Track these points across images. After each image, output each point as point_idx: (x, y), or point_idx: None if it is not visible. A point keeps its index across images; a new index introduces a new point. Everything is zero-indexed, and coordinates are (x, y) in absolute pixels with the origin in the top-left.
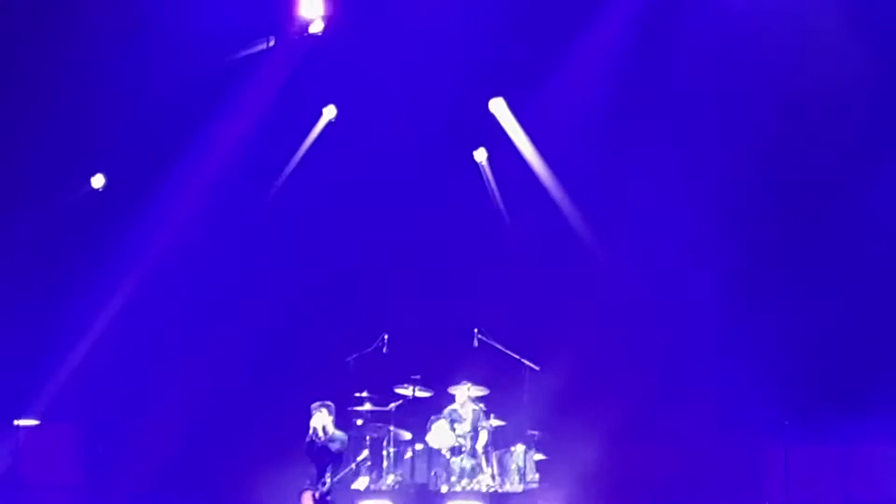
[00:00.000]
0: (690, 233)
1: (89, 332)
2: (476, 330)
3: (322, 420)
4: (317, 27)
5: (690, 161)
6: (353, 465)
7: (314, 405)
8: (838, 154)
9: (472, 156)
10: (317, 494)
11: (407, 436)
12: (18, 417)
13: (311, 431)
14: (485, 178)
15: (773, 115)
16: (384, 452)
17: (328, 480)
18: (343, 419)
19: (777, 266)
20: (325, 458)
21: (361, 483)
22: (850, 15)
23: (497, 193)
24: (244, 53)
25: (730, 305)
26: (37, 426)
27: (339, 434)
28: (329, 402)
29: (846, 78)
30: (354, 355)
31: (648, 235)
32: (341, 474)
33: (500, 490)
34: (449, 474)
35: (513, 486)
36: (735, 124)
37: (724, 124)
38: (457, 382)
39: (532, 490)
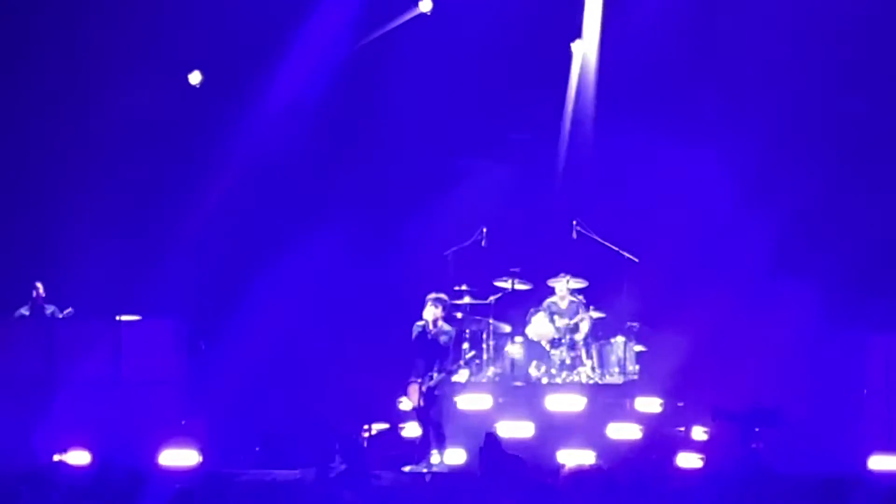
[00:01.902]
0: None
1: (190, 226)
2: (574, 222)
3: (435, 312)
4: None
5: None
6: (462, 362)
7: (430, 297)
8: None
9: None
10: (424, 387)
11: (506, 329)
12: (120, 313)
13: (421, 323)
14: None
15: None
16: (484, 345)
17: (436, 374)
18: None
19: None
20: (433, 351)
21: (462, 376)
22: None
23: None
24: None
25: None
26: (138, 321)
27: (447, 327)
28: (444, 296)
29: None
30: (453, 249)
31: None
32: (448, 368)
33: (599, 382)
34: (549, 366)
35: (612, 378)
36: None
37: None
38: (556, 275)
39: (632, 382)
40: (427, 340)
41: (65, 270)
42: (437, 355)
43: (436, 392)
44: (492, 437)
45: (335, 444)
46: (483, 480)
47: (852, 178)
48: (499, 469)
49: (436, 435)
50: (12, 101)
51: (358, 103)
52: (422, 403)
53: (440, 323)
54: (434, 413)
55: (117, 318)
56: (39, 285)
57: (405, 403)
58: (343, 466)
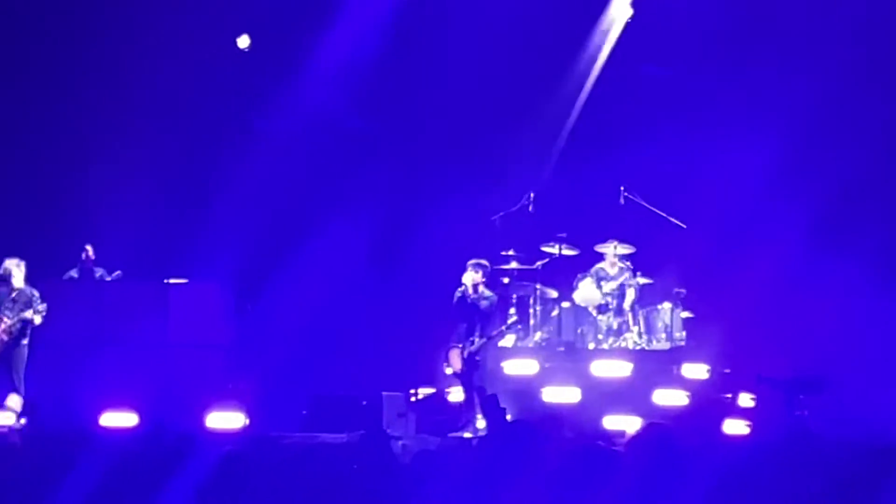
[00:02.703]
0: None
1: (237, 190)
2: (622, 188)
3: (475, 278)
4: None
5: None
6: (503, 328)
7: (470, 262)
8: None
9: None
10: (465, 352)
11: (553, 294)
12: (168, 276)
13: (462, 288)
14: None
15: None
16: (530, 311)
17: (477, 339)
18: (490, 278)
19: None
20: (474, 315)
21: (508, 341)
22: None
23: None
24: None
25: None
26: (186, 284)
27: (489, 293)
28: (485, 262)
29: None
30: (500, 214)
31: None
32: (490, 333)
33: (646, 348)
34: (595, 332)
35: (659, 343)
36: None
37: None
38: (603, 240)
39: (679, 348)
40: (467, 305)
41: (114, 233)
42: (478, 320)
43: (477, 357)
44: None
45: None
46: (523, 445)
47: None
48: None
49: (480, 400)
50: (63, 64)
51: (407, 67)
52: (463, 368)
53: (481, 288)
54: (477, 378)
55: (165, 281)
56: (89, 248)
57: (448, 368)
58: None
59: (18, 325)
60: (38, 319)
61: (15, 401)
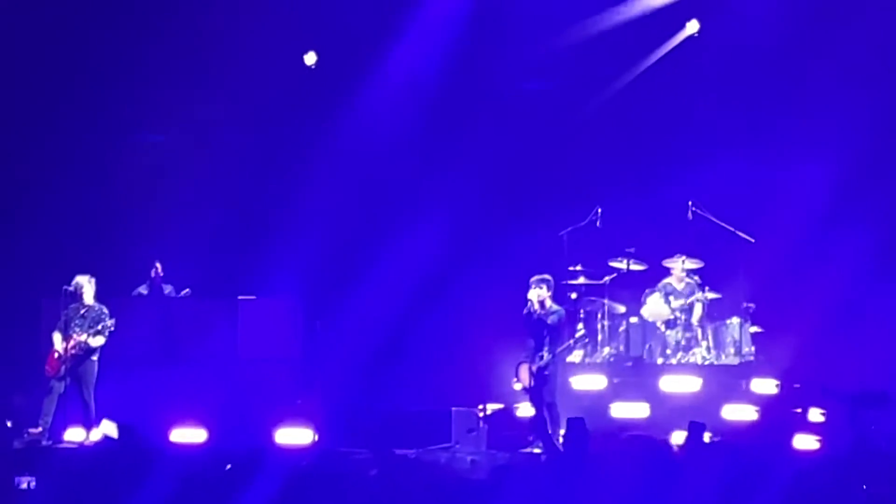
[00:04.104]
0: None
1: (306, 207)
2: (690, 202)
3: (540, 293)
4: None
5: None
6: (571, 342)
7: (533, 279)
8: None
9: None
10: (534, 367)
11: (621, 309)
12: (237, 293)
13: (528, 304)
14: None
15: None
16: (598, 326)
17: (545, 354)
18: (557, 293)
19: None
20: (542, 331)
21: (576, 356)
22: None
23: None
24: None
25: None
26: (254, 300)
27: (556, 308)
28: (548, 277)
29: None
30: (568, 229)
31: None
32: (559, 348)
33: (715, 363)
34: (664, 347)
35: (728, 358)
36: None
37: None
38: (671, 255)
39: (748, 363)
40: (534, 321)
41: (183, 250)
42: (546, 335)
43: (546, 372)
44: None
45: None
46: (594, 461)
47: None
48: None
49: (550, 415)
50: (137, 83)
51: (474, 80)
52: (532, 384)
53: (548, 303)
54: (546, 393)
55: (234, 297)
56: (158, 265)
57: (517, 384)
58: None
59: (87, 342)
60: (100, 340)
61: (109, 427)
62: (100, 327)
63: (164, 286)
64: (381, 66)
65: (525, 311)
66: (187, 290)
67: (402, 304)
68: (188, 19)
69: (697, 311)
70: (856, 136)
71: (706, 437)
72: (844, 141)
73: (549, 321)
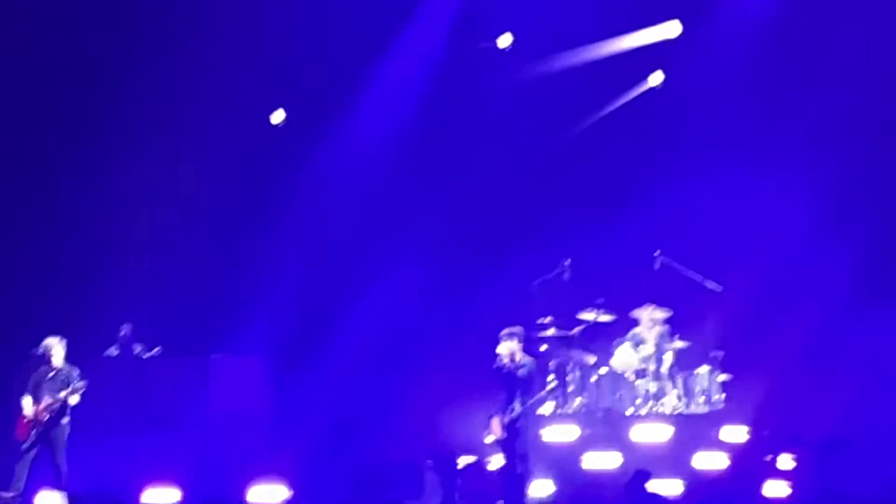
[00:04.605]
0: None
1: (276, 264)
2: (657, 252)
3: (510, 346)
4: None
5: None
6: (542, 394)
7: (503, 332)
8: None
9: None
10: (506, 420)
11: (591, 360)
12: (208, 351)
13: (498, 358)
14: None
15: None
16: (569, 377)
17: (517, 406)
18: (528, 345)
19: None
20: (513, 383)
21: (548, 408)
22: None
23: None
24: None
25: None
26: (225, 358)
27: (526, 360)
28: (518, 330)
29: None
30: (537, 281)
31: (823, 162)
32: (531, 400)
33: (685, 412)
34: (634, 397)
35: (698, 407)
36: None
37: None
38: (639, 305)
39: (718, 411)
40: (504, 374)
41: (153, 309)
42: (517, 388)
43: (518, 424)
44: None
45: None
46: None
47: None
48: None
49: (522, 467)
50: (99, 144)
51: (441, 136)
52: (505, 436)
53: (518, 356)
54: (518, 445)
55: (205, 355)
56: (127, 325)
57: (490, 437)
58: None
59: (58, 405)
60: (74, 399)
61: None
62: (71, 388)
63: (134, 346)
64: (347, 122)
65: (496, 364)
66: (158, 348)
67: (373, 359)
68: (153, 77)
69: (667, 360)
70: (822, 184)
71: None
72: (810, 189)
73: (519, 374)
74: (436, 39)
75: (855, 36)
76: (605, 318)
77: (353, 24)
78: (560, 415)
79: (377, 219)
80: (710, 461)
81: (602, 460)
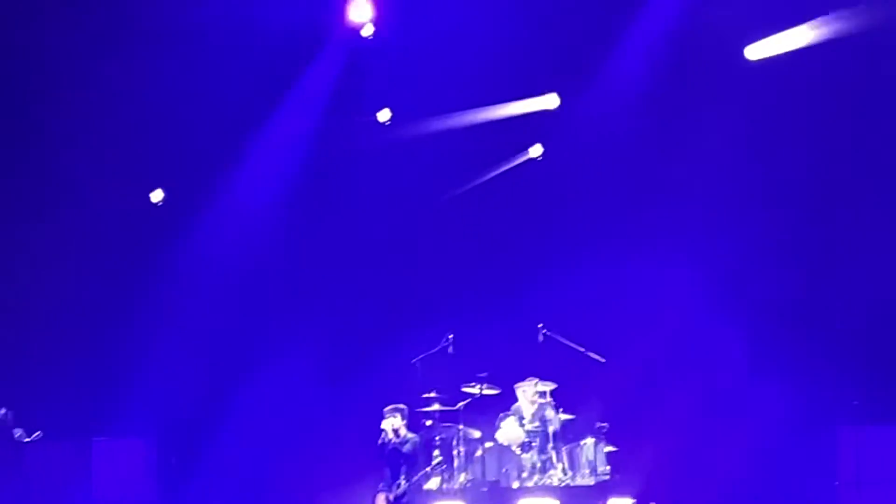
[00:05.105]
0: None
1: (159, 344)
2: (540, 325)
3: (394, 423)
4: (367, 31)
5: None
6: (428, 469)
7: (387, 409)
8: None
9: (527, 153)
10: (391, 497)
11: (476, 434)
12: (91, 435)
13: (382, 434)
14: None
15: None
16: (454, 452)
17: (402, 483)
18: (412, 421)
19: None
20: (398, 460)
21: (434, 483)
22: None
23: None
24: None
25: (793, 293)
26: (109, 442)
27: (411, 436)
28: (402, 406)
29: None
30: (420, 356)
31: (705, 235)
32: (416, 476)
33: (571, 484)
34: (520, 470)
35: (584, 479)
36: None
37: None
38: (523, 378)
39: (604, 482)
40: (389, 450)
41: (33, 393)
42: (402, 464)
43: (404, 501)
44: None
45: None
46: None
47: (819, 275)
48: None
49: None
50: None
51: (321, 213)
52: None
53: (402, 431)
54: None
55: (88, 439)
56: (5, 410)
57: None
58: None
59: None
60: None
61: None
62: None
63: (14, 430)
64: (227, 198)
65: (380, 440)
66: (38, 433)
67: (259, 439)
68: (27, 155)
69: (551, 432)
70: (705, 253)
71: None
72: (692, 260)
73: (404, 449)
74: (314, 112)
75: (732, 108)
76: (490, 391)
77: (232, 99)
78: (446, 490)
79: (259, 296)
80: None
81: None
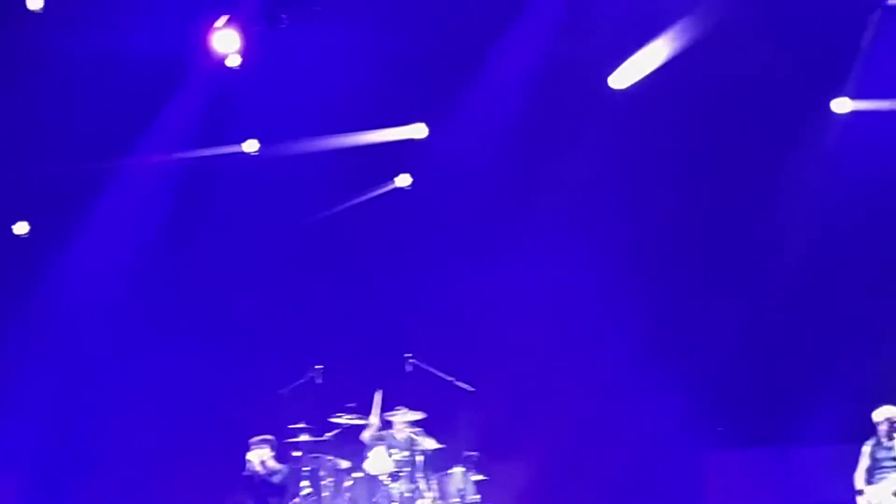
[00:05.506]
0: (628, 250)
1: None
2: (408, 355)
3: (261, 454)
4: (233, 61)
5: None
6: (297, 500)
7: (253, 440)
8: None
9: (393, 182)
10: None
11: (345, 465)
12: None
13: (248, 465)
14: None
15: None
16: (323, 483)
17: None
18: (280, 452)
19: (705, 268)
20: (266, 491)
21: None
22: None
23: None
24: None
25: (656, 320)
26: None
27: (279, 467)
28: (269, 437)
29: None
30: (288, 387)
31: (574, 263)
32: None
33: None
34: (389, 500)
35: None
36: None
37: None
38: (391, 408)
39: None
40: (256, 483)
41: None
42: (270, 496)
43: None
44: None
45: None
46: None
47: (686, 303)
48: None
49: None
50: None
51: (187, 244)
52: None
53: (270, 463)
54: None
55: None
56: None
57: None
58: None
59: None
60: None
61: None
62: None
63: None
64: (94, 232)
65: (245, 472)
66: None
67: (117, 475)
68: None
69: (420, 462)
70: (577, 279)
71: None
72: (564, 286)
73: (273, 480)
74: (181, 141)
75: (600, 133)
76: (358, 421)
77: (96, 130)
78: None
79: (125, 326)
80: None
81: None
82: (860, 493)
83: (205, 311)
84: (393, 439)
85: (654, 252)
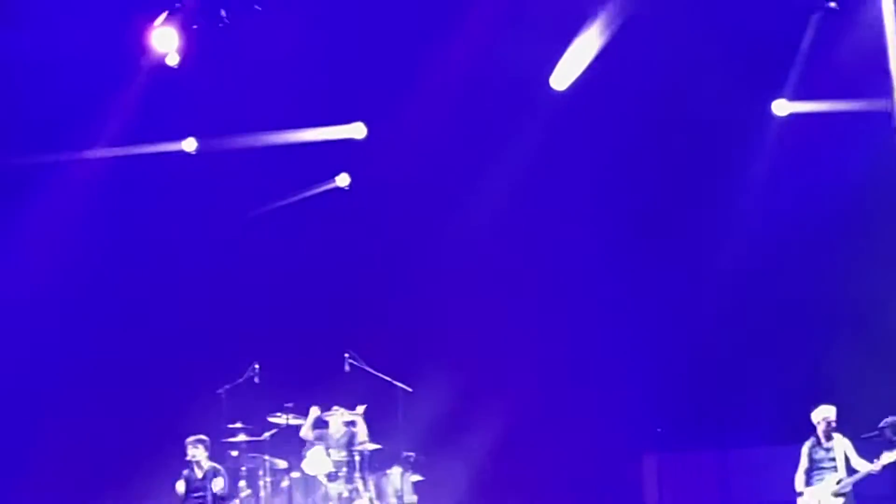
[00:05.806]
0: (566, 257)
1: None
2: (346, 354)
3: (195, 454)
4: (172, 60)
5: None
6: (236, 501)
7: (189, 440)
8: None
9: (333, 181)
10: None
11: (283, 464)
12: None
13: (186, 467)
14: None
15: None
16: (261, 483)
17: None
18: (217, 452)
19: (638, 273)
20: (203, 492)
21: None
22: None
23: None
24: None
25: (600, 320)
26: None
27: (213, 466)
28: (204, 437)
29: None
30: (226, 387)
31: (507, 267)
32: None
33: None
34: (327, 500)
35: None
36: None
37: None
38: (329, 408)
39: None
40: (194, 482)
41: None
42: (205, 496)
43: None
44: None
45: None
46: None
47: (630, 304)
48: None
49: None
50: None
51: (125, 242)
52: None
53: (205, 464)
54: None
55: None
56: None
57: None
58: None
59: None
60: None
61: None
62: None
63: None
64: (28, 228)
65: (184, 473)
66: None
67: (49, 470)
68: None
69: (358, 462)
70: (513, 286)
71: None
72: (503, 289)
73: (210, 483)
74: (119, 139)
75: (539, 134)
76: (296, 421)
77: (35, 129)
78: None
79: (62, 325)
80: None
81: None
82: (800, 494)
83: (141, 310)
84: (331, 439)
85: (585, 255)
